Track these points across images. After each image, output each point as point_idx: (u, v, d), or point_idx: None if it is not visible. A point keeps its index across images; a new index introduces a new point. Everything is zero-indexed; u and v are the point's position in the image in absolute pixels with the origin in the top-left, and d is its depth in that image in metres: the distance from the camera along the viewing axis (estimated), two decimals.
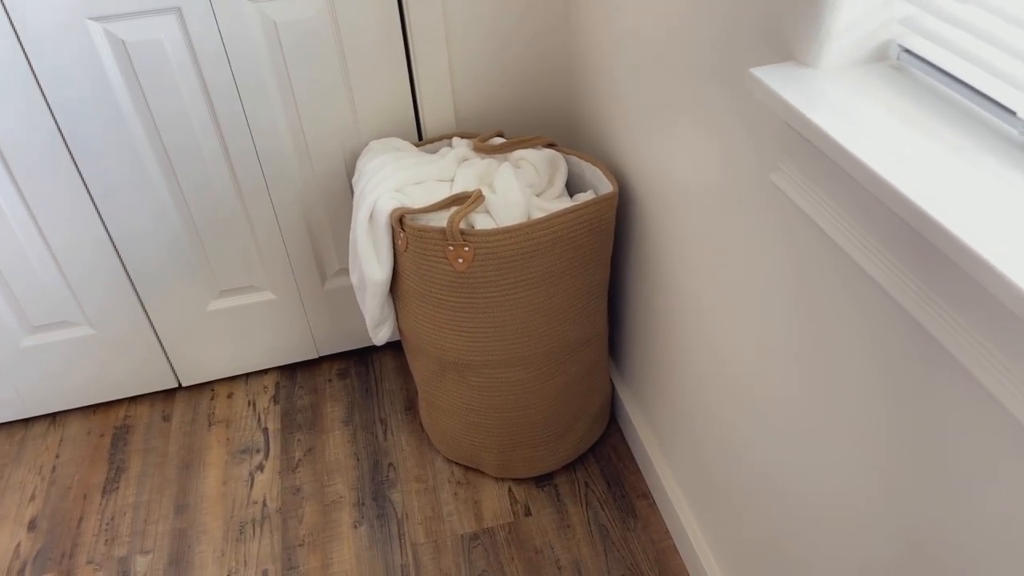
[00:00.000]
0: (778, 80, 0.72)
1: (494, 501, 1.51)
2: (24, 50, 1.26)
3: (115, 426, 1.71)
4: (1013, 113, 0.62)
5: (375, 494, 1.53)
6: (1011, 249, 0.52)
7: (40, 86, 1.30)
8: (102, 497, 1.56)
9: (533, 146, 1.38)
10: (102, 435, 1.69)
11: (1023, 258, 0.51)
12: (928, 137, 0.64)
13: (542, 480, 1.54)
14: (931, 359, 0.65)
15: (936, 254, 0.61)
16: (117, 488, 1.58)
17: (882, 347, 0.71)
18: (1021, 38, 0.59)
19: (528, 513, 1.48)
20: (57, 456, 1.65)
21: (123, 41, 1.29)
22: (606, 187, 1.32)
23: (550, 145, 1.40)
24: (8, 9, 1.22)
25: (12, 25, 1.23)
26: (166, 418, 1.72)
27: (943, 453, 0.66)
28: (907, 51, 0.72)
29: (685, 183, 1.08)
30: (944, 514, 0.68)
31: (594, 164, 1.35)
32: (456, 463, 1.58)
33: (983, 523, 0.63)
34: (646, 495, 1.49)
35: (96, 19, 1.26)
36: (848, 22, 0.70)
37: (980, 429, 0.61)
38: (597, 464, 1.56)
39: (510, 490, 1.52)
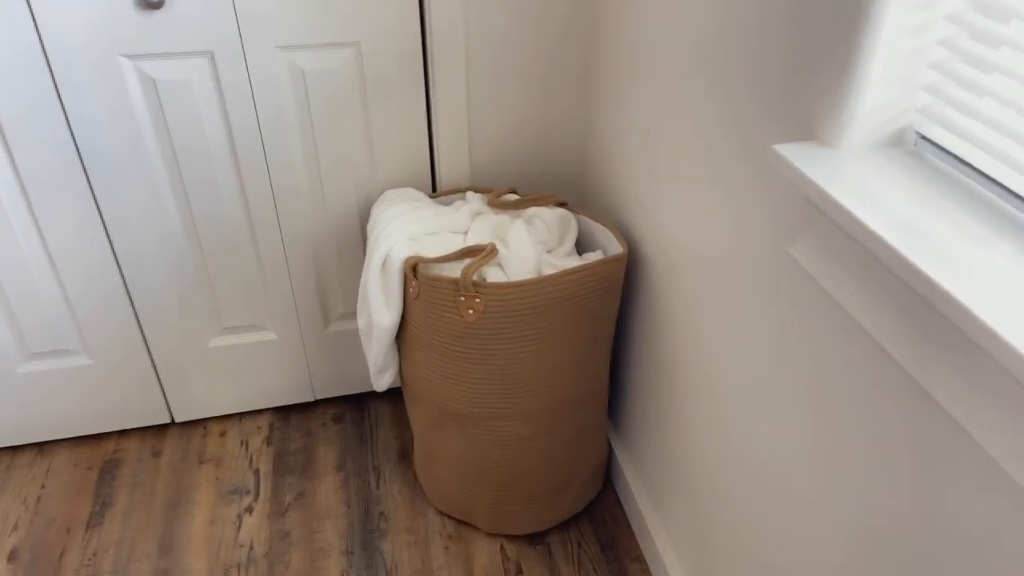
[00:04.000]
0: (800, 157, 0.75)
1: (485, 557, 1.49)
2: (54, 79, 1.29)
3: (104, 459, 1.68)
4: None
5: (365, 543, 1.51)
6: (1021, 324, 0.54)
7: (65, 112, 1.32)
8: (86, 531, 1.53)
9: (546, 204, 1.42)
10: (90, 468, 1.67)
11: None
12: (944, 220, 0.67)
13: (535, 538, 1.52)
14: (938, 426, 0.66)
15: (948, 326, 0.63)
16: (102, 523, 1.55)
17: (893, 421, 0.73)
18: None
19: (520, 571, 1.46)
20: (43, 487, 1.62)
21: (154, 80, 1.32)
22: (615, 248, 1.35)
23: (562, 204, 1.44)
24: (43, 38, 1.25)
25: (45, 53, 1.26)
26: (156, 454, 1.70)
27: (956, 530, 0.67)
28: (924, 138, 0.75)
29: (697, 250, 1.11)
30: None
31: (604, 225, 1.38)
32: (449, 516, 1.56)
33: None
34: (639, 559, 1.48)
35: (129, 57, 1.30)
36: (870, 108, 0.74)
37: (985, 495, 0.62)
38: (591, 525, 1.55)
39: (502, 547, 1.51)
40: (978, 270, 0.60)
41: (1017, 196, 0.67)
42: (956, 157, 0.73)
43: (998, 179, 0.68)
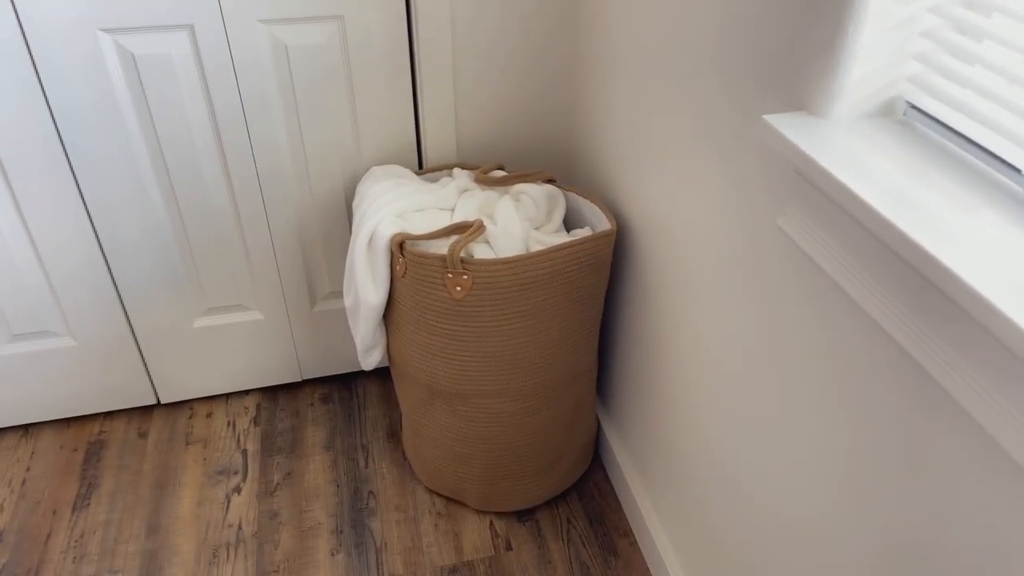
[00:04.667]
0: (790, 128, 0.75)
1: (475, 534, 1.49)
2: (31, 54, 1.26)
3: (89, 441, 1.67)
4: (1018, 171, 0.64)
5: (354, 522, 1.51)
6: (1013, 291, 0.54)
7: (44, 91, 1.30)
8: (72, 513, 1.52)
9: (533, 181, 1.40)
10: (75, 450, 1.65)
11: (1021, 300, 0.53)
12: (933, 188, 0.66)
13: (524, 515, 1.53)
14: (931, 399, 0.66)
15: (939, 296, 0.63)
16: (88, 505, 1.54)
17: (884, 389, 0.73)
18: None
19: (509, 547, 1.47)
20: (28, 469, 1.61)
21: (133, 54, 1.30)
22: (603, 224, 1.34)
23: (550, 181, 1.42)
24: (19, 12, 1.22)
25: (21, 28, 1.24)
26: (142, 435, 1.69)
27: (942, 498, 0.67)
28: (914, 107, 0.75)
29: (687, 225, 1.10)
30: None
31: (592, 201, 1.37)
32: (438, 494, 1.56)
33: None
34: (628, 534, 1.49)
35: (108, 31, 1.27)
36: (859, 77, 0.73)
37: (977, 469, 0.62)
38: (580, 501, 1.56)
39: (491, 523, 1.51)
40: (968, 238, 0.60)
41: (1007, 164, 0.66)
42: (946, 126, 0.72)
43: (988, 148, 0.68)
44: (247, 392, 1.79)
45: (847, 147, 0.71)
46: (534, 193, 1.36)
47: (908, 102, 0.75)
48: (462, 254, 1.23)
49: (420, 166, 1.56)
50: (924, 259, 0.59)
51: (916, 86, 0.73)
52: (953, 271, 0.57)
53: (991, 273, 0.56)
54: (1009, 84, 0.65)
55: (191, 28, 1.30)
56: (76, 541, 1.47)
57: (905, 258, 0.61)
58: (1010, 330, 0.52)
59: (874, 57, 0.72)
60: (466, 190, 1.40)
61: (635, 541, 1.48)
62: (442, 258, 1.22)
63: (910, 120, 0.75)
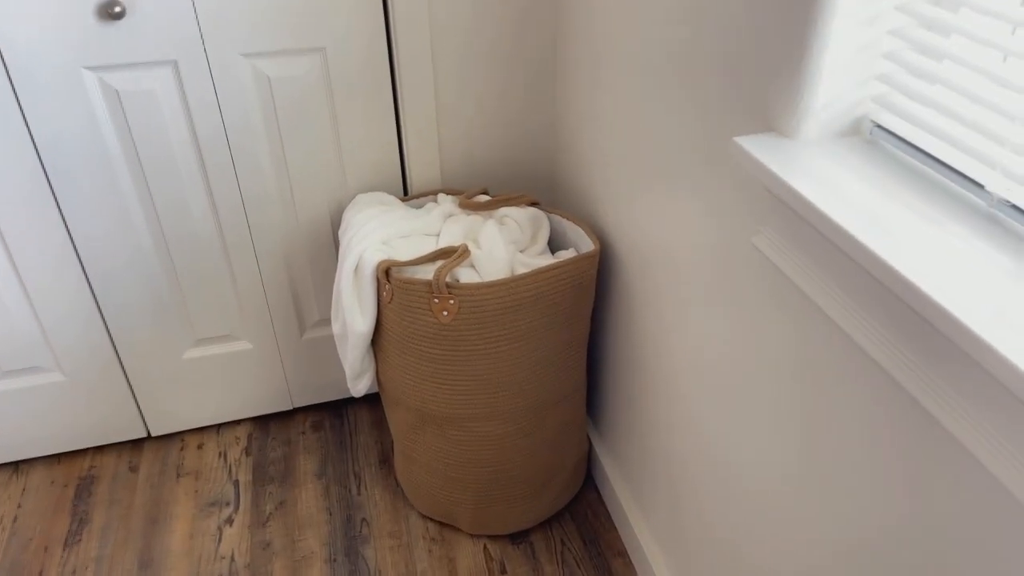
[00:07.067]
0: (760, 149, 0.76)
1: (469, 559, 1.49)
2: (15, 90, 1.27)
3: (80, 476, 1.66)
4: (981, 186, 0.66)
5: (347, 550, 1.51)
6: (979, 305, 0.55)
7: (28, 126, 1.31)
8: (64, 550, 1.51)
9: (517, 204, 1.42)
10: (66, 485, 1.65)
11: (991, 315, 0.54)
12: (900, 206, 0.68)
13: (518, 537, 1.53)
14: (909, 415, 0.68)
15: (909, 313, 0.64)
16: (79, 541, 1.53)
17: (864, 410, 0.74)
18: (985, 116, 0.64)
19: (503, 571, 1.46)
20: (19, 506, 1.60)
21: (117, 91, 1.31)
22: (587, 245, 1.35)
23: (533, 204, 1.44)
24: (2, 49, 1.23)
25: (4, 64, 1.25)
26: (133, 469, 1.68)
27: (931, 520, 0.68)
28: (879, 126, 0.77)
29: (666, 244, 1.12)
30: None
31: (576, 223, 1.39)
32: (431, 519, 1.56)
33: None
34: (623, 554, 1.49)
35: (92, 68, 1.28)
36: (826, 99, 0.75)
37: (968, 491, 0.63)
38: (573, 521, 1.56)
39: (485, 547, 1.51)
40: (936, 254, 0.62)
41: (970, 180, 0.68)
42: (911, 144, 0.74)
43: (951, 164, 0.70)
44: (238, 422, 1.79)
45: (814, 166, 0.73)
46: (518, 216, 1.38)
47: (874, 121, 0.77)
48: (448, 279, 1.25)
49: (405, 192, 1.58)
50: (892, 276, 0.60)
51: (881, 106, 0.75)
52: (921, 288, 0.58)
53: (957, 287, 0.58)
54: (970, 103, 0.66)
55: (175, 64, 1.31)
56: None
57: (875, 275, 0.63)
58: (977, 345, 0.54)
59: (839, 78, 0.74)
60: (451, 215, 1.42)
61: (630, 561, 1.47)
62: (428, 283, 1.23)
63: (876, 139, 0.77)
